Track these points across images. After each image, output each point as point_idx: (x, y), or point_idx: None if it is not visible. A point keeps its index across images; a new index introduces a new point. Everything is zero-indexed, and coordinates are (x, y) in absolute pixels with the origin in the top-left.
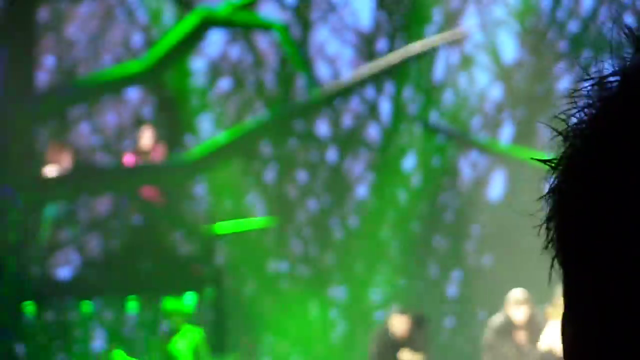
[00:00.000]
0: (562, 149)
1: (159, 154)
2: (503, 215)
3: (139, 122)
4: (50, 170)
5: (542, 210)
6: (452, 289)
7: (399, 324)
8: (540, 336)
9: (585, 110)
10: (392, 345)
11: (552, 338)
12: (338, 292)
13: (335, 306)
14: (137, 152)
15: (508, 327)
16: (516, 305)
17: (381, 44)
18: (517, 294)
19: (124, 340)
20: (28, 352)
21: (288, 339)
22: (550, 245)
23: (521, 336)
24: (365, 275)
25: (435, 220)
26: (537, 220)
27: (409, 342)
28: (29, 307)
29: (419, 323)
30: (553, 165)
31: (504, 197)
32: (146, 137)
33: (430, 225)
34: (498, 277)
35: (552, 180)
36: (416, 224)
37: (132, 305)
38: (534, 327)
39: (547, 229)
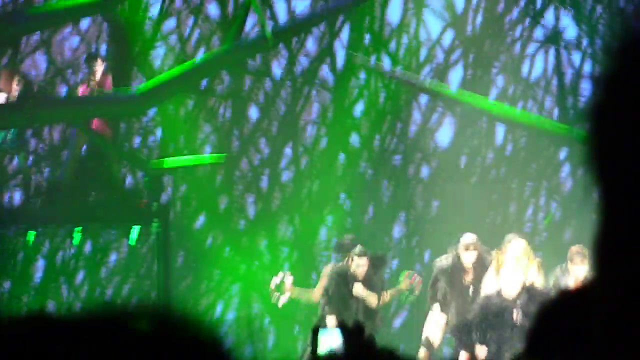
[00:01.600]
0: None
1: (108, 87)
2: (451, 160)
3: (90, 55)
4: (0, 98)
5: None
6: (397, 231)
7: (358, 264)
8: (484, 280)
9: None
10: (348, 282)
11: (495, 282)
12: (287, 230)
13: (284, 244)
14: (88, 84)
15: (456, 269)
16: (465, 249)
17: None
18: (467, 238)
19: (65, 271)
20: None
21: (236, 276)
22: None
23: (468, 278)
24: (314, 215)
25: (384, 164)
26: (483, 165)
27: (365, 280)
28: None
29: (377, 264)
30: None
31: (452, 143)
32: (97, 70)
33: (379, 169)
34: (443, 221)
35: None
36: (365, 167)
37: (77, 237)
38: (480, 271)
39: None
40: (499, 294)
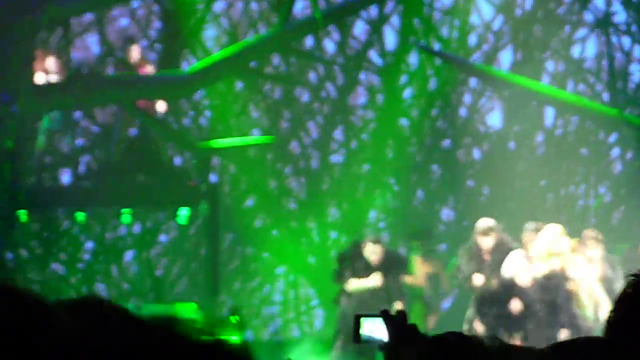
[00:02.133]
0: None
1: (146, 71)
2: (498, 143)
3: (128, 39)
4: (48, 79)
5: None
6: (445, 214)
7: (370, 250)
8: (504, 263)
9: None
10: (360, 267)
11: (514, 265)
12: (336, 212)
13: (333, 227)
14: (126, 68)
15: (477, 253)
16: (483, 234)
17: None
18: (484, 223)
19: (114, 252)
20: (18, 259)
21: (284, 257)
22: None
23: (488, 260)
24: (364, 197)
25: (434, 146)
26: (529, 149)
27: (378, 269)
28: (22, 216)
29: (391, 261)
30: None
31: (503, 125)
32: (134, 54)
33: (428, 152)
34: (492, 204)
35: None
36: (415, 149)
37: (126, 218)
38: (500, 254)
39: None
40: (514, 279)
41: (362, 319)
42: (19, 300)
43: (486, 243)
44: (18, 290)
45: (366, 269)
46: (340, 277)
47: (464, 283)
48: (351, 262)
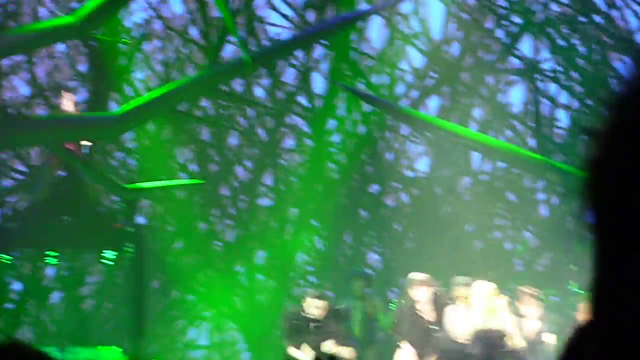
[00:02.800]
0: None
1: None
2: (426, 188)
3: (59, 87)
4: None
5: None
6: (372, 258)
7: (312, 306)
8: (444, 315)
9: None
10: (303, 325)
11: (454, 317)
12: (264, 255)
13: (261, 269)
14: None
15: (412, 307)
16: (417, 287)
17: (311, 15)
18: (416, 276)
19: (40, 293)
20: None
21: (211, 300)
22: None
23: (425, 314)
24: (291, 240)
25: (360, 191)
26: (455, 194)
27: (323, 326)
28: None
29: (337, 315)
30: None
31: (429, 171)
32: (67, 102)
33: (354, 196)
34: (418, 249)
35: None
36: (342, 194)
37: (52, 260)
38: (436, 306)
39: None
40: (454, 338)
41: None
42: None
43: (421, 296)
44: None
45: (314, 325)
46: (289, 337)
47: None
48: (299, 321)
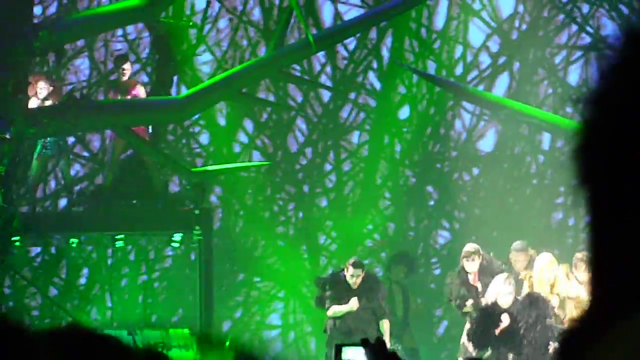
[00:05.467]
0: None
1: (137, 93)
2: (495, 166)
3: (119, 57)
4: (42, 103)
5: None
6: (441, 239)
7: (351, 273)
8: (491, 287)
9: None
10: (341, 289)
11: (497, 289)
12: (328, 237)
13: (325, 250)
14: (117, 89)
15: (464, 277)
16: (467, 257)
17: None
18: (468, 247)
19: (109, 277)
20: (13, 286)
21: (277, 281)
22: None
23: (475, 284)
24: (356, 221)
25: (428, 169)
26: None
27: (359, 291)
28: (16, 242)
29: (372, 283)
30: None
31: (495, 149)
32: (126, 73)
33: (422, 174)
34: (486, 226)
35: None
36: (409, 172)
37: (119, 244)
38: (486, 277)
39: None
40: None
41: (344, 348)
42: None
43: (471, 267)
44: None
45: (347, 293)
46: (321, 303)
47: (455, 308)
48: (331, 287)
